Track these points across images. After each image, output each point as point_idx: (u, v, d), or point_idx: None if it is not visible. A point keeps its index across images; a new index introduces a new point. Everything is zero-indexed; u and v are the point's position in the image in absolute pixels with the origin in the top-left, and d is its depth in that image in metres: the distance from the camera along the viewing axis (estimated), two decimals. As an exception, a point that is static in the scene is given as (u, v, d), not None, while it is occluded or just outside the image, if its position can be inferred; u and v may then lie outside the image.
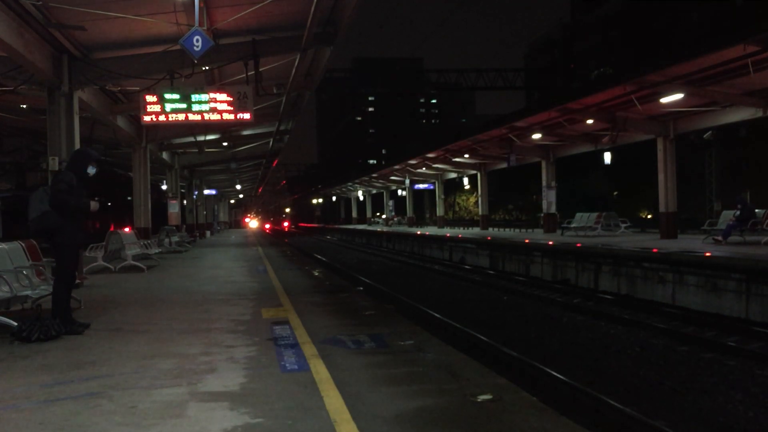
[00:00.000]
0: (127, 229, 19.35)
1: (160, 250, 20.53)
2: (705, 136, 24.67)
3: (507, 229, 34.63)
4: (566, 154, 27.60)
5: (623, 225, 25.24)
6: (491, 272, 22.35)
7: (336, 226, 73.47)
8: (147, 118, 13.43)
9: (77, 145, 12.51)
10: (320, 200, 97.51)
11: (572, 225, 25.19)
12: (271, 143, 29.34)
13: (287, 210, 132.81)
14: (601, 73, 54.09)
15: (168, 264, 18.03)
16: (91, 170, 7.50)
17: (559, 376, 8.05)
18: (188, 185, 37.24)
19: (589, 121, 21.09)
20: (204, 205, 45.43)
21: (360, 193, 66.40)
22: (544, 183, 28.26)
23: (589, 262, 17.38)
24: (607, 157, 26.00)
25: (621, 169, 39.40)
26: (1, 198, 29.65)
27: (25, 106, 17.34)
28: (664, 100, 16.93)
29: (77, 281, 9.19)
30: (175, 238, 25.37)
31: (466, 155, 31.15)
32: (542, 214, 30.21)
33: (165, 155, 27.80)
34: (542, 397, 5.17)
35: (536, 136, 24.05)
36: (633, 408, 6.82)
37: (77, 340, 6.91)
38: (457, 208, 60.66)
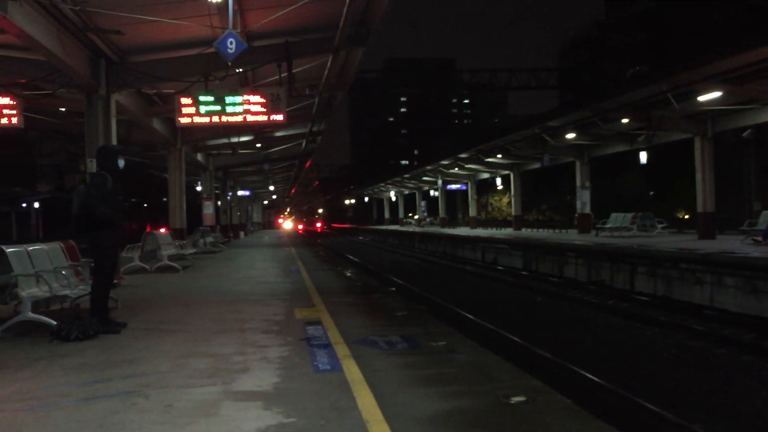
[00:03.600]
0: (162, 230, 19.63)
1: (194, 250, 20.77)
2: (744, 134, 24.10)
3: (540, 230, 34.33)
4: (601, 153, 27.24)
5: (660, 225, 24.84)
6: (524, 273, 22.18)
7: (368, 227, 73.52)
8: (182, 120, 13.63)
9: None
10: (352, 201, 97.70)
11: (607, 225, 24.90)
12: (303, 144, 29.46)
13: (320, 211, 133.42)
14: (637, 72, 53.25)
15: (202, 264, 18.24)
16: (121, 163, 7.65)
17: (593, 378, 7.96)
18: (222, 186, 37.59)
19: (624, 120, 20.79)
20: (238, 206, 45.83)
21: (392, 194, 66.37)
22: (578, 183, 27.94)
23: (624, 263, 17.13)
24: (643, 157, 25.60)
25: (657, 169, 38.82)
26: (41, 200, 30.29)
27: (63, 109, 17.67)
28: (701, 98, 16.63)
29: (115, 281, 9.34)
30: (209, 239, 25.61)
31: (499, 155, 30.93)
32: (576, 215, 29.90)
33: (200, 157, 28.13)
34: (576, 400, 5.11)
35: (570, 135, 23.78)
36: (669, 411, 6.71)
37: (114, 340, 7.03)
38: (489, 209, 60.27)
